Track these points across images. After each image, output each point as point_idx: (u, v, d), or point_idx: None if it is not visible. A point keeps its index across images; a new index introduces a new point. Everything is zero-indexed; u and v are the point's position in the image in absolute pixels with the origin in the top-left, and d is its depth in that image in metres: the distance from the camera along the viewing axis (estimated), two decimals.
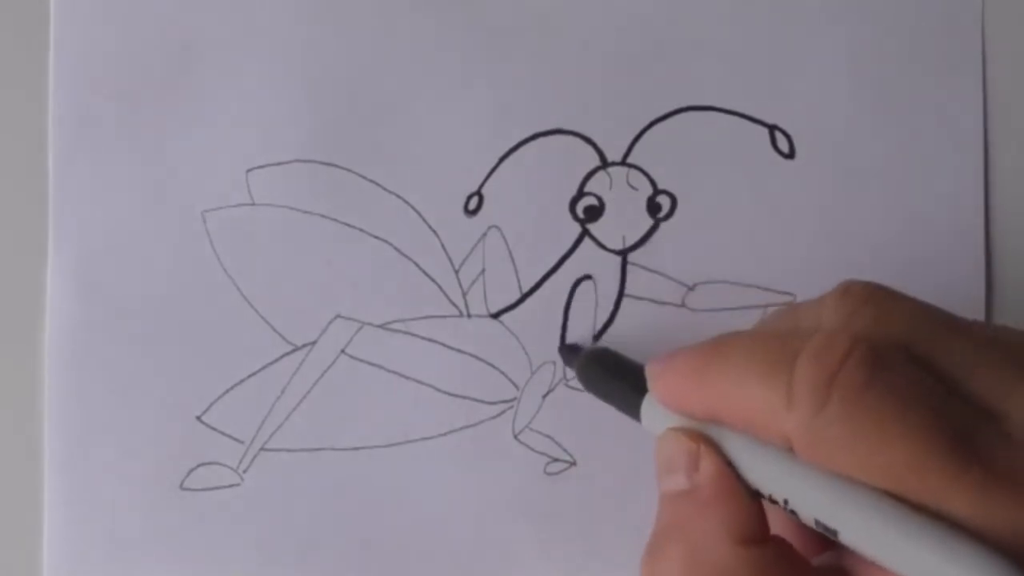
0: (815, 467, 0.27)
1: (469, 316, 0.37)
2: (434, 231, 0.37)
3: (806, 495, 0.27)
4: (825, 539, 0.28)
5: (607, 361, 0.35)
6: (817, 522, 0.27)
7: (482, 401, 0.37)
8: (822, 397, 0.26)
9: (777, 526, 0.30)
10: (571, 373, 0.37)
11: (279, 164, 0.37)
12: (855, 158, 0.38)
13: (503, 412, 0.37)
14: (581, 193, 0.37)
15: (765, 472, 0.29)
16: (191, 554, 0.36)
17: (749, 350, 0.29)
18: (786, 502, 0.28)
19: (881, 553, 0.26)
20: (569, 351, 0.37)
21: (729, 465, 0.29)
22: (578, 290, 0.37)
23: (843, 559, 0.30)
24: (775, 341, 0.29)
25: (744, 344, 0.29)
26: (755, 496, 0.29)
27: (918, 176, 0.38)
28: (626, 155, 0.37)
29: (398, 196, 0.37)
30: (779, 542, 0.29)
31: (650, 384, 0.32)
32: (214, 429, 0.37)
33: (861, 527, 0.26)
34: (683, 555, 0.29)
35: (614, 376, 0.34)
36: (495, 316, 0.37)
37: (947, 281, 0.37)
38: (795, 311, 0.31)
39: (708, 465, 0.29)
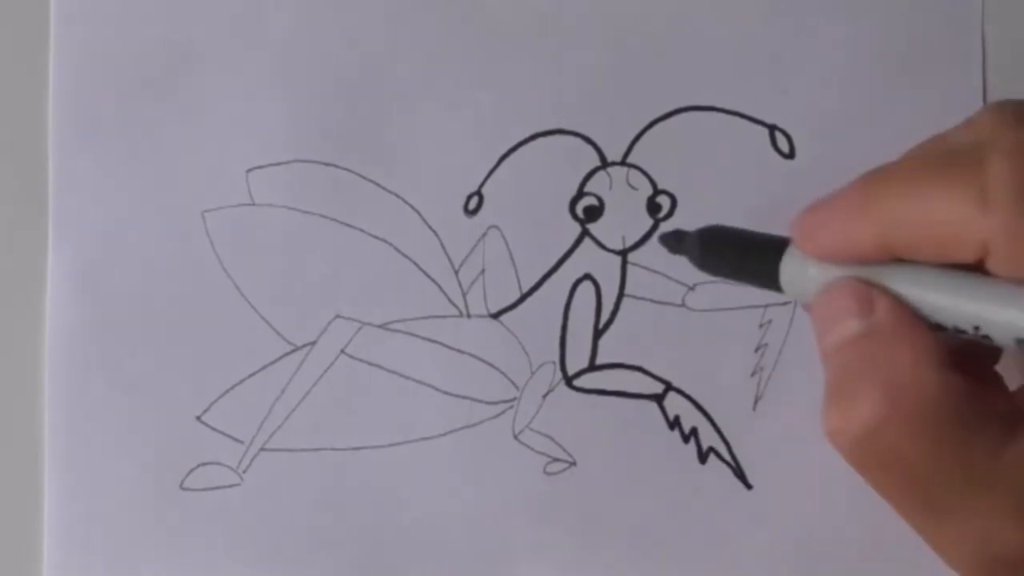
0: (1010, 280, 0.26)
1: (469, 316, 0.37)
2: (434, 231, 0.37)
3: (1004, 312, 0.26)
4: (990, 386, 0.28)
5: (726, 234, 0.32)
6: (1019, 340, 0.26)
7: (482, 401, 0.37)
8: None
9: None
10: (571, 372, 0.37)
11: (279, 164, 0.37)
12: (855, 158, 0.38)
13: (503, 412, 0.37)
14: (581, 193, 0.37)
15: (952, 298, 0.27)
16: (191, 554, 0.36)
17: (919, 166, 0.27)
18: (976, 328, 0.27)
19: None
20: (672, 237, 0.33)
21: (905, 303, 0.28)
22: (578, 290, 0.37)
23: (1017, 401, 0.29)
24: (944, 154, 0.27)
25: (909, 164, 0.28)
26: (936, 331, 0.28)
27: None
28: (626, 155, 0.37)
29: (398, 196, 0.37)
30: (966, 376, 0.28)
31: (800, 240, 0.29)
32: (214, 429, 0.37)
33: None
34: (880, 390, 0.27)
35: (739, 246, 0.32)
36: (495, 316, 0.37)
37: None
38: (940, 137, 0.29)
39: (886, 302, 0.28)
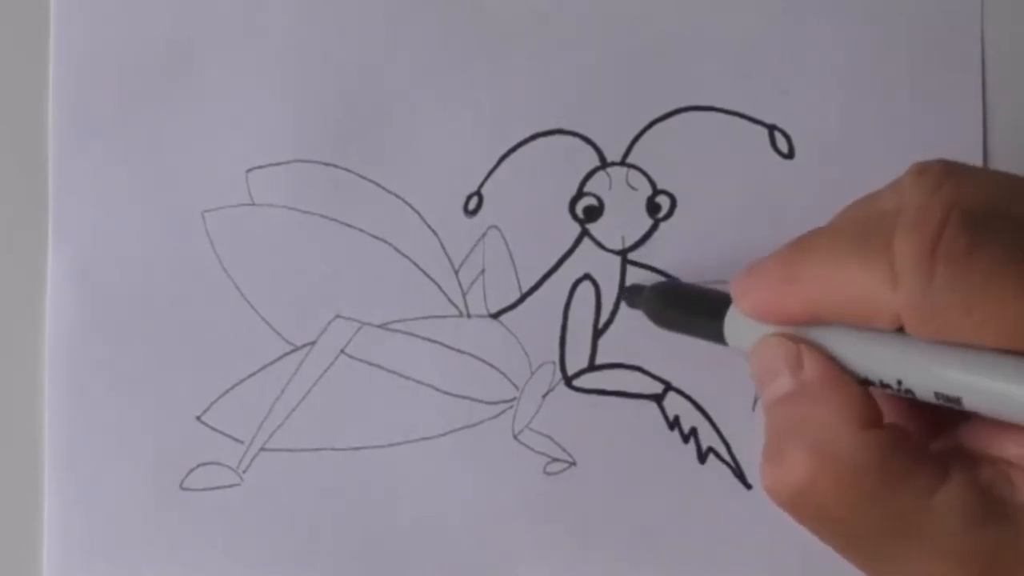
0: (927, 341, 0.27)
1: (469, 316, 0.37)
2: (434, 231, 0.37)
3: (922, 369, 0.27)
4: (931, 427, 0.29)
5: (676, 292, 0.35)
6: (937, 394, 0.27)
7: (482, 401, 0.37)
8: (928, 268, 0.26)
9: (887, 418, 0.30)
10: (571, 372, 0.37)
11: (279, 164, 0.37)
12: (855, 158, 0.38)
13: (503, 412, 0.37)
14: (581, 193, 0.37)
15: (874, 357, 0.28)
16: (191, 554, 0.36)
17: (839, 239, 0.28)
18: (899, 383, 0.28)
19: (1008, 410, 0.26)
20: (632, 292, 0.36)
21: (832, 360, 0.29)
22: (578, 290, 0.37)
23: (958, 439, 0.29)
24: (862, 225, 0.28)
25: (831, 235, 0.29)
26: (864, 385, 0.29)
27: None
28: (626, 155, 0.38)
29: (398, 196, 0.37)
30: (895, 426, 0.29)
31: (737, 299, 0.31)
32: (214, 429, 0.37)
33: (984, 388, 0.26)
34: (806, 451, 0.28)
35: (688, 304, 0.34)
36: (495, 316, 0.37)
37: None
38: (870, 199, 0.30)
39: (813, 360, 0.29)
